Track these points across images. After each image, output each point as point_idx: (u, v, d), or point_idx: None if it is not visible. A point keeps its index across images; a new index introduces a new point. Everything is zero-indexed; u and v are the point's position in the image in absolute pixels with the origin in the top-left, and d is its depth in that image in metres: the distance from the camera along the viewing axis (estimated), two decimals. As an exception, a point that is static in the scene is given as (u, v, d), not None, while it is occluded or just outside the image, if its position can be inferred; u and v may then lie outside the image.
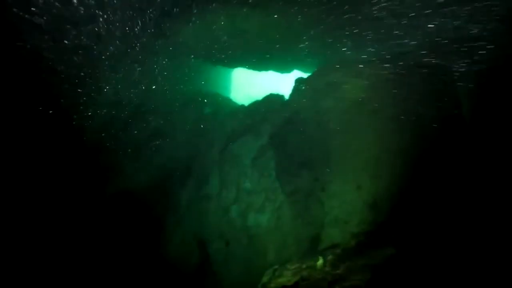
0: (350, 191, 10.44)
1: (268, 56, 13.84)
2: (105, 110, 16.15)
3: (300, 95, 12.13)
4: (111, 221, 14.95)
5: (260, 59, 16.16)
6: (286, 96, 13.41)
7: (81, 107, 15.07)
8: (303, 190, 11.44)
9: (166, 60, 17.47)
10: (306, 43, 11.32)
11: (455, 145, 9.71)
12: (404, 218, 9.42)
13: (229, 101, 19.81)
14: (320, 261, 7.25)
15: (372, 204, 10.10)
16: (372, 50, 11.16)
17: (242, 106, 14.24)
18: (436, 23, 9.45)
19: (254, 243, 11.94)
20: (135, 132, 17.33)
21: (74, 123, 14.12)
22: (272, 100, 13.27)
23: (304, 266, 7.50)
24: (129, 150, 16.97)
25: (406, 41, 10.45)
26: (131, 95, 17.04)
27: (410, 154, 9.81)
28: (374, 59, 11.33)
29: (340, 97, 10.97)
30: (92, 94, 15.97)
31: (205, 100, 19.08)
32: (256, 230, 11.80)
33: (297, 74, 22.43)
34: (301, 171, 11.55)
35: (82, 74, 14.08)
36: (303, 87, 12.10)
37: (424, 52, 10.41)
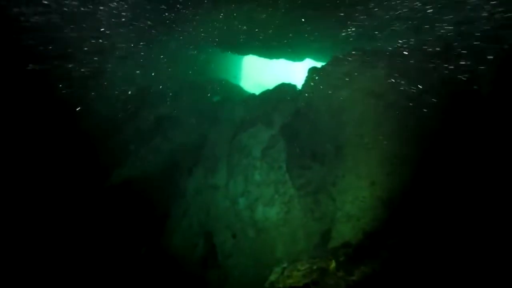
0: (363, 187, 9.98)
1: (284, 45, 13.37)
2: (111, 95, 15.86)
3: (313, 85, 11.64)
4: (117, 209, 14.74)
5: (273, 48, 15.69)
6: (299, 86, 12.95)
7: (87, 93, 14.83)
8: (313, 184, 11.05)
9: (175, 46, 17.05)
10: (349, 29, 10.89)
11: (477, 140, 9.20)
12: (420, 216, 8.99)
13: (239, 89, 19.38)
14: (333, 265, 6.87)
15: (386, 201, 9.64)
16: (390, 40, 10.66)
17: (253, 95, 13.79)
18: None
19: (262, 237, 11.61)
20: (142, 118, 17.05)
21: (79, 109, 13.81)
22: (284, 90, 12.80)
23: (315, 267, 7.12)
24: (136, 136, 16.70)
25: (425, 31, 9.96)
26: (138, 80, 16.71)
27: (429, 150, 9.31)
28: (391, 49, 10.82)
29: (356, 88, 10.47)
30: (99, 80, 15.66)
31: (215, 87, 18.66)
32: (264, 224, 11.46)
33: (309, 62, 21.91)
34: (312, 164, 11.15)
35: (87, 62, 13.80)
36: (317, 77, 11.60)
37: (446, 41, 9.89)
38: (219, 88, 18.93)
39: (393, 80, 10.05)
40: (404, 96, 9.80)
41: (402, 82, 9.96)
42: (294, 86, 12.90)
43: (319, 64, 22.86)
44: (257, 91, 22.08)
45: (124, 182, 15.93)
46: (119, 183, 15.78)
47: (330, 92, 10.95)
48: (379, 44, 11.02)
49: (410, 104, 9.68)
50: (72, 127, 14.05)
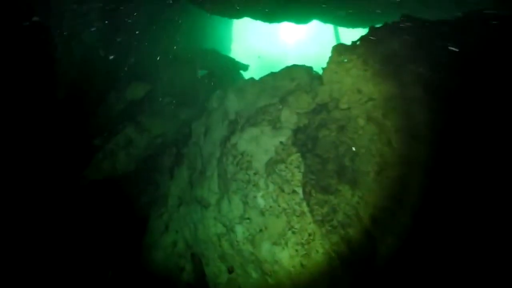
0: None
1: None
2: (73, 75, 12.41)
3: (341, 71, 8.01)
4: (85, 214, 12.08)
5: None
6: (316, 69, 9.27)
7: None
8: (341, 214, 7.78)
9: (147, 5, 13.19)
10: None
11: None
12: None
13: (229, 60, 15.55)
14: None
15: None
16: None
17: (251, 80, 10.06)
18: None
19: (270, 283, 8.47)
20: (111, 103, 13.51)
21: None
22: (296, 74, 9.04)
23: None
24: (103, 127, 13.25)
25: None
26: (104, 53, 13.06)
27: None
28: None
29: (410, 80, 6.89)
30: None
31: (201, 59, 14.89)
32: (273, 267, 8.28)
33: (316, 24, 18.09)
34: (339, 186, 7.81)
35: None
36: (345, 60, 7.96)
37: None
38: (205, 58, 15.16)
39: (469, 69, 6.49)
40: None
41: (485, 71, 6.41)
42: (309, 69, 9.10)
43: (328, 28, 18.99)
44: (250, 62, 18.25)
45: (94, 181, 12.79)
46: (89, 183, 12.67)
47: (367, 83, 7.38)
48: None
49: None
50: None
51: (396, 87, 6.89)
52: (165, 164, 12.91)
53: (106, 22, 12.35)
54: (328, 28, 23.40)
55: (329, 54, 8.70)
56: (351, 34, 21.66)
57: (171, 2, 12.80)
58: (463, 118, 6.55)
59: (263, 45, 29.68)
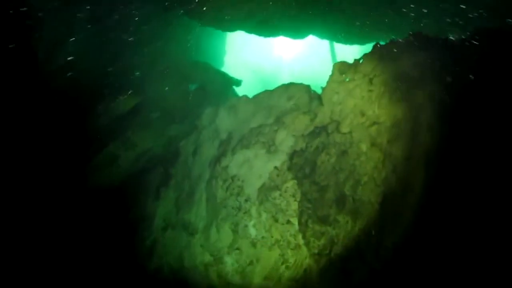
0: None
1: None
2: (56, 84, 11.73)
3: (342, 92, 7.38)
4: (71, 228, 11.11)
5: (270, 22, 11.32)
6: (314, 87, 8.62)
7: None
8: (340, 247, 7.09)
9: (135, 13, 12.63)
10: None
11: None
12: None
13: (222, 75, 14.90)
14: None
15: None
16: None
17: (244, 97, 9.38)
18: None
19: (260, 320, 7.70)
20: (98, 114, 12.81)
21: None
22: (294, 94, 8.36)
23: None
24: (87, 141, 12.53)
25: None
26: (88, 65, 12.40)
27: None
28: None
29: (420, 103, 6.27)
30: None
31: (192, 73, 14.25)
32: (265, 304, 7.52)
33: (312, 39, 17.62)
34: (338, 217, 7.13)
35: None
36: (347, 78, 7.34)
37: None
38: (197, 73, 14.52)
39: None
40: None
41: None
42: (308, 88, 8.40)
43: (324, 43, 18.53)
44: (244, 76, 17.68)
45: (84, 191, 12.10)
46: (79, 193, 12.02)
47: (372, 105, 6.75)
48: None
49: None
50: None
51: (405, 110, 6.25)
52: (152, 183, 12.16)
53: (93, 31, 11.70)
54: (325, 44, 22.99)
55: (326, 70, 8.13)
56: (348, 51, 21.28)
57: (161, 11, 12.17)
58: (478, 143, 5.92)
59: (257, 59, 29.10)
